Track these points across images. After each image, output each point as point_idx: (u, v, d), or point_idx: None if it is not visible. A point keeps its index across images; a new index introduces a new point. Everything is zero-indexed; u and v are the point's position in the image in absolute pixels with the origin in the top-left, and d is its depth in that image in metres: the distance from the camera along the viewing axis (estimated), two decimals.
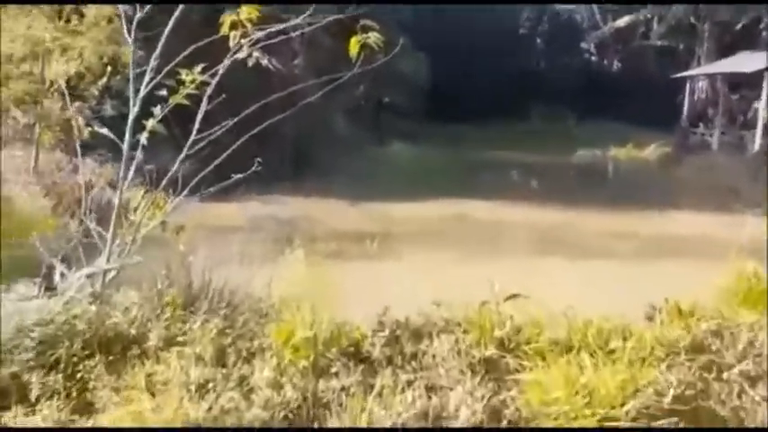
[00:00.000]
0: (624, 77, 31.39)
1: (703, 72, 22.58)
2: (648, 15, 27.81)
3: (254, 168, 5.05)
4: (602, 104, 29.37)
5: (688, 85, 23.48)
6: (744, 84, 23.02)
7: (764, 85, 17.48)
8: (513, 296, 5.00)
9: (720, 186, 15.66)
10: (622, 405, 3.46)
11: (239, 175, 5.11)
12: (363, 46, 3.85)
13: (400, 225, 11.57)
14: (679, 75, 23.53)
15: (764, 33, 24.47)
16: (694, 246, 10.33)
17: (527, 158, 22.37)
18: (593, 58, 33.79)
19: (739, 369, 4.15)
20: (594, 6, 31.29)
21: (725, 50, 24.59)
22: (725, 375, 4.10)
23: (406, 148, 22.24)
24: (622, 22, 27.81)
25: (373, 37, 3.67)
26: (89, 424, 3.57)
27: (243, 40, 4.28)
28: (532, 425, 3.67)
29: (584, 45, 31.92)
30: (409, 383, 3.83)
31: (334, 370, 3.96)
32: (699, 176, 17.22)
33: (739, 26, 25.57)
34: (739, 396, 3.90)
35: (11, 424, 3.51)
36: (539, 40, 35.64)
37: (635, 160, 21.90)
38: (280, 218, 11.93)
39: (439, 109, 29.01)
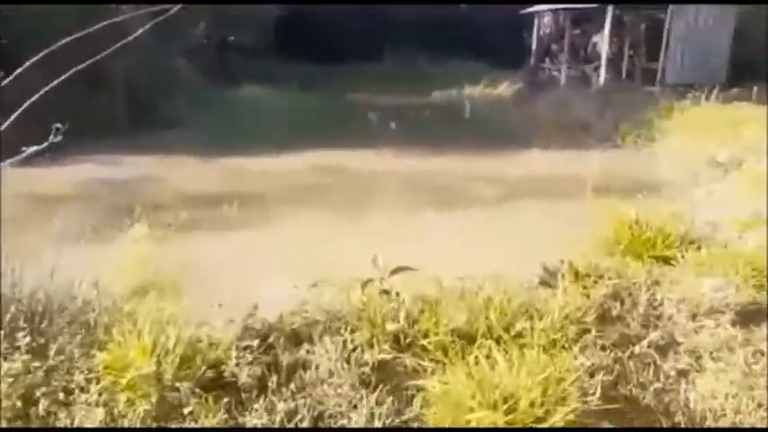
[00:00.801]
0: (472, 16, 31.58)
1: (550, 7, 23.12)
2: None
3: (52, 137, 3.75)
4: (452, 44, 29.48)
5: (536, 21, 24.00)
6: (584, 18, 24.00)
7: (607, 18, 18.14)
8: (400, 269, 4.33)
9: (572, 122, 16.21)
10: (547, 414, 2.93)
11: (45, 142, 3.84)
12: None
13: (260, 182, 10.40)
14: (525, 11, 23.94)
15: None
16: (561, 186, 10.42)
17: (384, 101, 21.84)
18: None
19: (648, 340, 3.86)
20: None
21: None
22: (636, 349, 3.79)
23: (258, 91, 20.62)
24: None
25: None
26: None
27: None
28: None
29: None
30: (289, 417, 3.01)
31: (187, 410, 3.02)
32: (551, 112, 17.74)
33: None
34: (656, 375, 3.59)
35: None
36: None
37: (489, 98, 22.21)
38: (115, 181, 10.26)
39: (289, 48, 27.57)
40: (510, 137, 15.48)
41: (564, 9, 22.71)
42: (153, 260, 6.35)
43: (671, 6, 17.30)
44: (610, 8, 17.83)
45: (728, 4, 17.55)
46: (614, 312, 4.12)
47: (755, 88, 13.99)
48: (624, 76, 20.37)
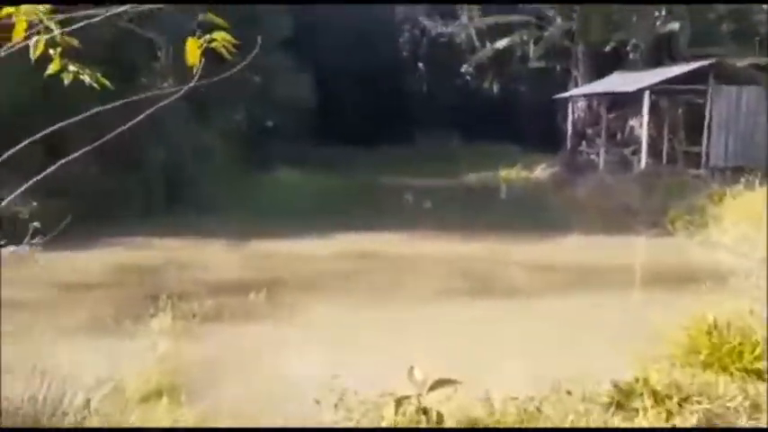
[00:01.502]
0: (505, 99, 31.97)
1: (585, 92, 23.12)
2: (525, 38, 28.43)
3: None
4: (485, 127, 29.59)
5: (570, 106, 23.97)
6: (619, 103, 23.88)
7: (645, 103, 17.89)
8: (441, 383, 3.71)
9: (615, 207, 15.59)
10: None
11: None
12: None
13: (291, 269, 9.97)
14: (560, 95, 23.98)
15: (631, 55, 25.64)
16: (612, 276, 9.70)
17: (418, 183, 21.66)
18: (474, 80, 34.17)
19: None
20: (473, 29, 31.62)
21: (598, 71, 25.48)
22: None
23: (293, 174, 20.68)
24: (500, 44, 28.17)
25: (220, 38, 2.18)
26: None
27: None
28: None
29: (464, 68, 32.10)
30: None
31: None
32: (592, 197, 17.18)
33: (608, 48, 26.75)
34: None
35: None
36: (420, 64, 35.72)
37: (526, 182, 21.83)
38: (143, 267, 9.94)
39: (324, 133, 28.07)
40: (551, 221, 14.91)
41: (597, 94, 22.67)
42: (172, 357, 5.86)
43: (710, 90, 17.00)
44: (647, 92, 17.60)
45: (765, 89, 17.17)
46: None
47: None
48: (665, 160, 19.87)
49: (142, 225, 12.83)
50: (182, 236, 11.88)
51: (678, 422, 3.31)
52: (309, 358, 5.88)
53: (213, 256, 10.69)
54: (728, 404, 3.61)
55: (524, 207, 17.51)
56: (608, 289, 8.78)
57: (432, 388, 3.56)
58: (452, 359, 5.47)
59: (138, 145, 16.27)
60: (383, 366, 4.06)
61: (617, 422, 3.41)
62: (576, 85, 25.36)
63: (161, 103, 2.60)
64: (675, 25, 22.50)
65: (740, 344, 4.35)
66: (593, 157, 21.88)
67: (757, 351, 4.28)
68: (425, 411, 3.48)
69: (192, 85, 2.35)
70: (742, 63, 18.80)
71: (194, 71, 2.18)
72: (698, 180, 15.36)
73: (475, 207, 17.86)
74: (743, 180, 13.12)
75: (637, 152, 19.63)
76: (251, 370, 5.75)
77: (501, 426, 3.37)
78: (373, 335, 6.73)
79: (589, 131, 24.54)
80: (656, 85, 17.41)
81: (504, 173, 23.12)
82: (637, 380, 3.75)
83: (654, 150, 19.37)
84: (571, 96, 23.52)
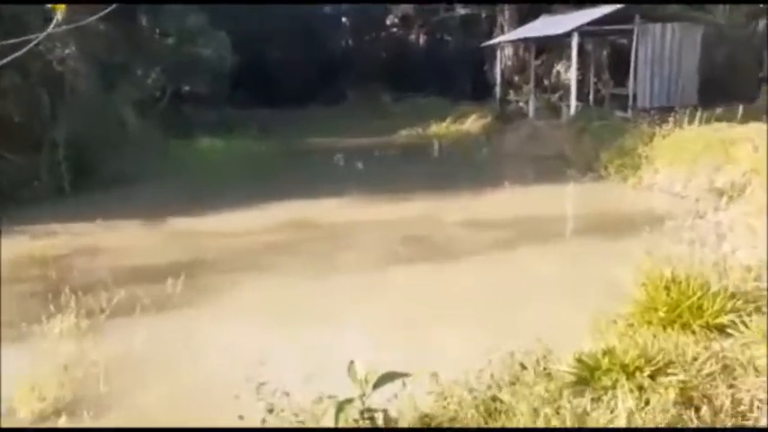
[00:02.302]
0: (431, 51, 31.35)
1: (512, 38, 22.74)
2: None
3: None
4: (413, 80, 29.09)
5: (497, 54, 23.59)
6: (545, 48, 23.71)
7: (573, 46, 17.65)
8: (387, 377, 3.20)
9: (549, 154, 15.44)
10: None
11: None
12: None
13: (216, 247, 9.17)
14: (486, 43, 23.53)
15: None
16: (554, 227, 9.47)
17: (349, 143, 20.95)
18: (400, 32, 33.32)
19: None
20: None
21: (524, 16, 25.14)
22: None
23: (216, 141, 19.49)
24: None
25: None
26: None
27: None
28: None
29: (389, 20, 31.14)
30: None
31: None
32: (524, 145, 16.98)
33: None
34: None
35: None
36: (344, 19, 34.48)
37: (458, 134, 21.45)
38: (47, 258, 8.90)
39: (249, 96, 26.78)
40: (486, 174, 14.60)
41: (524, 40, 22.36)
42: (75, 364, 5.11)
43: (636, 31, 16.91)
44: (575, 36, 17.36)
45: (693, 25, 17.26)
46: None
47: (741, 107, 13.43)
48: (592, 103, 19.91)
49: (49, 209, 11.67)
50: (92, 218, 10.78)
51: (654, 401, 2.90)
52: (234, 351, 5.24)
53: (127, 240, 9.72)
54: (703, 371, 3.24)
55: (458, 161, 17.14)
56: (552, 242, 8.54)
57: (376, 385, 3.04)
58: (397, 337, 4.95)
59: (41, 119, 14.85)
60: (321, 355, 3.45)
61: (584, 404, 2.97)
62: (503, 32, 24.96)
63: None
64: None
65: (699, 298, 4.03)
66: (522, 104, 21.70)
67: (717, 304, 3.97)
68: (371, 415, 2.97)
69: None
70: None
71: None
72: (627, 122, 15.35)
73: (409, 165, 17.36)
74: (671, 120, 13.11)
75: (564, 97, 19.55)
76: (165, 371, 5.08)
77: (506, 425, 2.90)
78: (310, 316, 6.16)
79: (517, 79, 24.36)
80: (582, 26, 17.15)
81: (435, 127, 22.67)
82: (604, 353, 3.32)
83: (581, 94, 19.34)
84: (498, 44, 23.11)
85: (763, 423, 2.63)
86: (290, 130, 22.96)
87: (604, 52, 21.68)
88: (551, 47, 23.07)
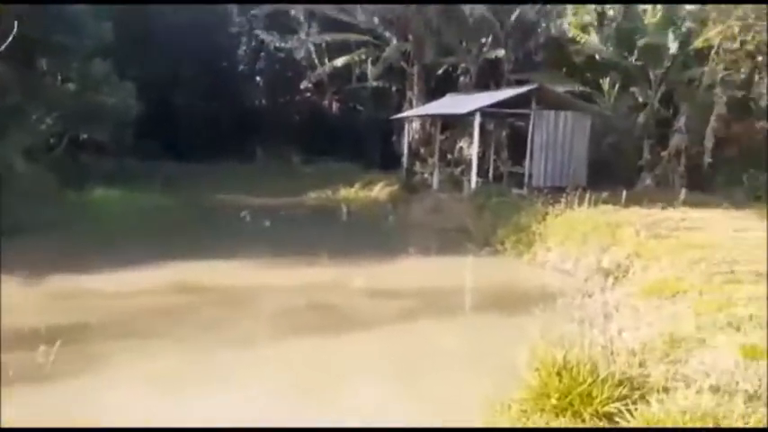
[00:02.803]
0: (345, 117, 32.12)
1: (420, 113, 23.74)
2: (363, 57, 28.68)
3: None
4: (325, 144, 29.54)
5: (406, 126, 24.48)
6: (450, 124, 24.92)
7: (475, 125, 18.64)
8: None
9: (449, 226, 15.92)
10: None
11: None
12: None
13: (101, 310, 8.54)
14: (396, 116, 24.42)
15: (462, 78, 26.96)
16: (453, 300, 9.64)
17: (257, 201, 20.67)
18: (314, 97, 33.93)
19: None
20: (311, 45, 31.36)
21: (432, 93, 26.44)
22: None
23: (114, 193, 18.57)
24: (339, 62, 28.14)
25: None
26: None
27: None
28: None
29: (304, 84, 31.63)
30: None
31: None
32: (428, 216, 17.44)
33: (441, 71, 27.94)
34: None
35: None
36: (258, 78, 34.71)
37: (366, 200, 21.78)
38: None
39: (153, 146, 25.97)
40: (391, 242, 14.80)
41: (431, 116, 23.42)
42: None
43: (532, 115, 18.17)
44: (477, 116, 18.39)
45: (583, 114, 18.78)
46: None
47: (624, 192, 14.58)
48: (492, 179, 20.97)
49: None
50: None
51: None
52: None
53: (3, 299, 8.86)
54: None
55: (365, 227, 17.32)
56: (453, 315, 8.67)
57: None
58: (291, 416, 4.76)
59: None
60: None
61: None
62: (412, 106, 26.04)
63: None
64: (501, 52, 23.99)
65: (590, 385, 4.18)
66: (427, 176, 22.48)
67: (606, 392, 4.14)
68: None
69: None
70: (560, 89, 20.42)
71: None
72: (523, 199, 16.21)
73: (316, 227, 17.31)
74: (562, 200, 13.99)
75: (466, 172, 20.46)
76: None
77: None
78: (197, 389, 5.80)
79: (423, 151, 25.30)
80: (484, 107, 18.23)
81: (344, 191, 22.93)
82: None
83: (481, 170, 20.33)
84: (407, 117, 24.05)
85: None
86: (196, 184, 22.41)
87: (504, 132, 23.09)
88: (455, 124, 24.28)
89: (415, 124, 25.87)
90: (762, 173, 14.28)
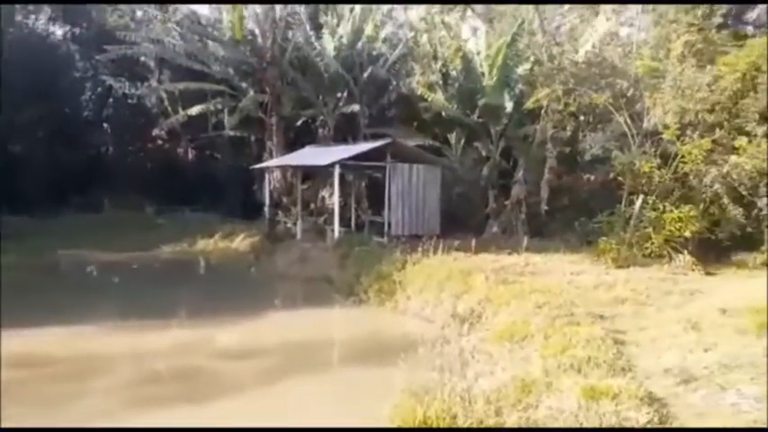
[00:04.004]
0: (200, 167, 31.31)
1: (281, 164, 23.81)
2: (219, 106, 28.34)
3: None
4: (180, 194, 28.52)
5: (267, 176, 24.40)
6: (311, 174, 25.28)
7: (335, 176, 19.10)
8: None
9: (314, 276, 16.02)
10: None
11: None
12: None
13: None
14: (256, 166, 24.28)
15: (320, 130, 27.58)
16: (322, 355, 9.67)
17: (106, 256, 19.32)
18: (167, 145, 32.75)
19: None
20: (163, 93, 30.45)
21: (292, 143, 26.73)
22: None
23: None
24: (194, 111, 27.52)
25: None
26: None
27: None
28: None
29: (156, 132, 30.44)
30: None
31: None
32: (292, 267, 17.41)
33: (299, 122, 28.40)
34: None
35: None
36: (105, 125, 32.87)
37: (226, 252, 21.21)
38: None
39: None
40: (253, 296, 14.52)
41: (292, 166, 23.64)
42: None
43: (388, 168, 19.03)
44: (337, 167, 18.90)
45: (434, 167, 20.01)
46: None
47: (474, 239, 15.69)
48: (354, 228, 21.51)
49: None
50: None
51: None
52: None
53: None
54: None
55: (226, 281, 16.83)
56: (317, 372, 8.70)
57: None
58: None
59: None
60: None
61: None
62: (272, 156, 26.07)
63: None
64: (356, 107, 24.97)
65: None
66: (290, 226, 22.49)
67: None
68: None
69: None
70: (412, 143, 21.65)
71: None
72: (383, 248, 16.80)
73: (171, 284, 16.50)
74: (419, 248, 14.74)
75: (329, 221, 20.80)
76: None
77: None
78: None
79: (285, 201, 25.33)
80: (344, 160, 18.80)
81: (202, 243, 22.17)
82: None
83: (344, 219, 20.81)
84: (267, 167, 24.02)
85: None
86: (38, 238, 20.44)
87: (363, 183, 23.88)
88: (316, 174, 24.69)
89: (277, 174, 25.91)
90: (589, 220, 16.09)
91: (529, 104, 19.18)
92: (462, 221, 20.68)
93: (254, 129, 28.18)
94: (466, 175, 22.60)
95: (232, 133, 28.70)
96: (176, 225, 24.24)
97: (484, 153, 22.41)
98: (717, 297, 10.06)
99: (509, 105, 21.04)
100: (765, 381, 6.25)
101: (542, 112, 19.23)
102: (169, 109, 29.85)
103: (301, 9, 27.57)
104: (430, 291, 12.64)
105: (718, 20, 15.62)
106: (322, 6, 27.60)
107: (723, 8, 15.94)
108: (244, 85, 27.40)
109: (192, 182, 29.50)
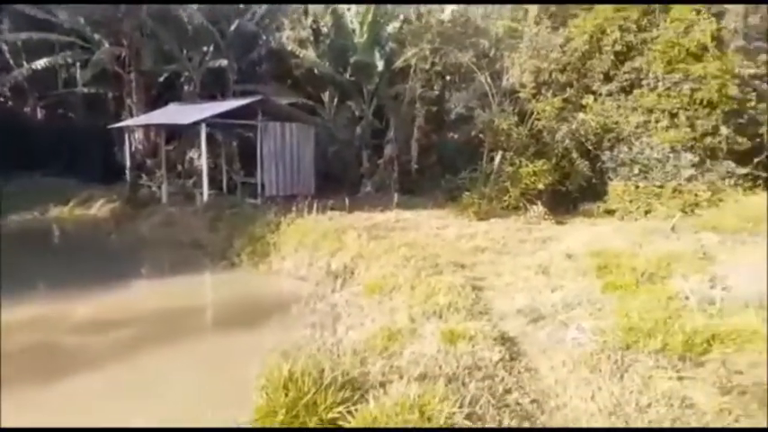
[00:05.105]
0: (51, 127, 28.49)
1: (142, 123, 22.31)
2: (70, 60, 25.86)
3: None
4: (28, 157, 25.91)
5: (127, 136, 22.80)
6: (177, 134, 24.02)
7: (202, 135, 18.28)
8: None
9: (183, 241, 15.41)
10: None
11: None
12: None
13: None
14: (115, 125, 22.54)
15: (186, 87, 26.15)
16: (188, 323, 9.38)
17: None
18: (10, 103, 29.47)
19: None
20: (3, 44, 27.21)
21: (154, 101, 25.14)
22: None
23: None
24: (39, 64, 24.89)
25: None
26: None
27: None
28: None
29: None
30: None
31: None
32: (158, 232, 16.60)
33: (162, 78, 26.70)
34: None
35: None
36: None
37: (83, 220, 19.72)
38: None
39: None
40: (117, 265, 13.71)
41: (156, 125, 22.29)
42: None
43: (259, 126, 18.55)
44: (203, 126, 18.09)
45: (308, 126, 19.78)
46: None
47: (348, 198, 15.84)
48: (225, 190, 20.86)
49: None
50: None
51: None
52: None
53: None
54: None
55: (84, 251, 15.67)
56: (186, 337, 8.46)
57: None
58: None
59: None
60: None
61: None
62: (132, 115, 24.40)
63: None
64: (224, 62, 23.89)
65: (314, 394, 4.52)
66: (155, 189, 21.32)
67: (330, 398, 4.51)
68: None
69: None
70: (284, 101, 21.19)
71: None
72: (256, 209, 16.49)
73: (21, 256, 15.12)
74: (294, 209, 14.64)
75: (198, 184, 20.00)
76: None
77: None
78: None
79: (149, 163, 23.91)
80: (211, 118, 18.03)
81: (56, 210, 20.45)
82: None
83: (214, 181, 20.10)
84: (127, 126, 22.42)
85: None
86: None
87: (234, 143, 23.09)
88: (183, 134, 23.50)
89: (139, 134, 24.34)
90: (455, 177, 16.84)
91: (398, 63, 19.42)
92: (337, 180, 20.79)
93: (111, 85, 26.14)
94: (340, 134, 22.61)
95: (86, 90, 26.47)
96: (25, 192, 22.04)
97: (357, 113, 22.50)
98: (564, 243, 11.03)
99: (380, 64, 21.19)
100: (601, 316, 7.00)
101: (411, 71, 19.58)
102: (11, 62, 26.82)
103: None
104: (305, 250, 12.66)
105: None
106: None
107: None
108: (97, 36, 25.14)
109: (43, 144, 26.82)
